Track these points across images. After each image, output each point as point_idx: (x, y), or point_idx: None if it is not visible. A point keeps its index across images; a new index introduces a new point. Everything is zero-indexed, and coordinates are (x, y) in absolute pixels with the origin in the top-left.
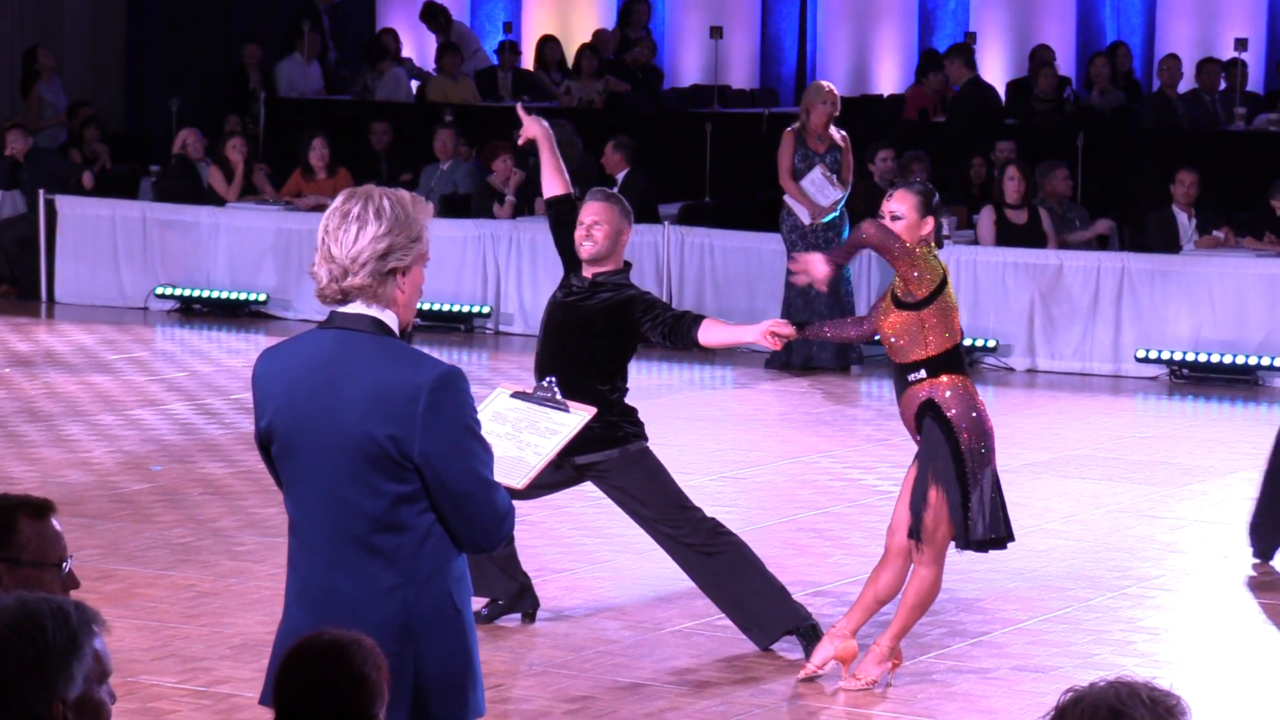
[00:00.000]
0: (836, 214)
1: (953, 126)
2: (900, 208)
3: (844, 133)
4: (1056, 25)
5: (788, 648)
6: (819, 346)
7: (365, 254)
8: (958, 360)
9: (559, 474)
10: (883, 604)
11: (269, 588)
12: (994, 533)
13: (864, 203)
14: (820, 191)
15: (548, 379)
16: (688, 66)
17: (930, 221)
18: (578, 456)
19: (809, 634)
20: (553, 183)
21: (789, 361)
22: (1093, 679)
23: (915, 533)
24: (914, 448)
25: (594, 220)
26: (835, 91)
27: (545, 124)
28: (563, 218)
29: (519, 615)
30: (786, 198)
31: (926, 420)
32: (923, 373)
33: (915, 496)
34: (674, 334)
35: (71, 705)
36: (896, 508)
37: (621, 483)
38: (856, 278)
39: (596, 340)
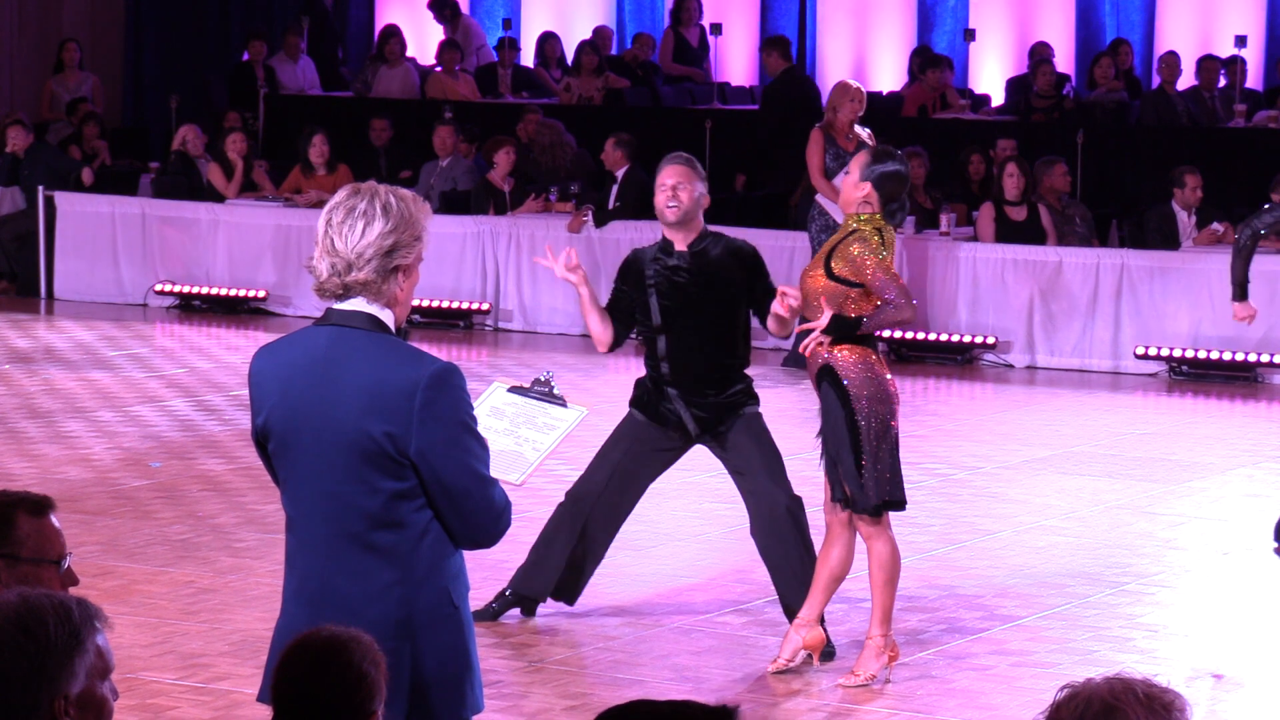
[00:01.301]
0: None
1: (767, 117)
2: (852, 166)
3: (869, 131)
4: (1056, 22)
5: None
6: None
7: (370, 250)
8: (869, 334)
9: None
10: (839, 581)
11: (268, 584)
12: (890, 496)
13: None
14: None
15: (545, 373)
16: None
17: (867, 187)
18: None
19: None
20: (602, 331)
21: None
22: (1091, 675)
23: (845, 501)
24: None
25: (677, 182)
26: (862, 90)
27: (581, 275)
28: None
29: (519, 611)
30: (819, 197)
31: (824, 386)
32: (826, 338)
33: (827, 464)
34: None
35: (74, 701)
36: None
37: (735, 443)
38: None
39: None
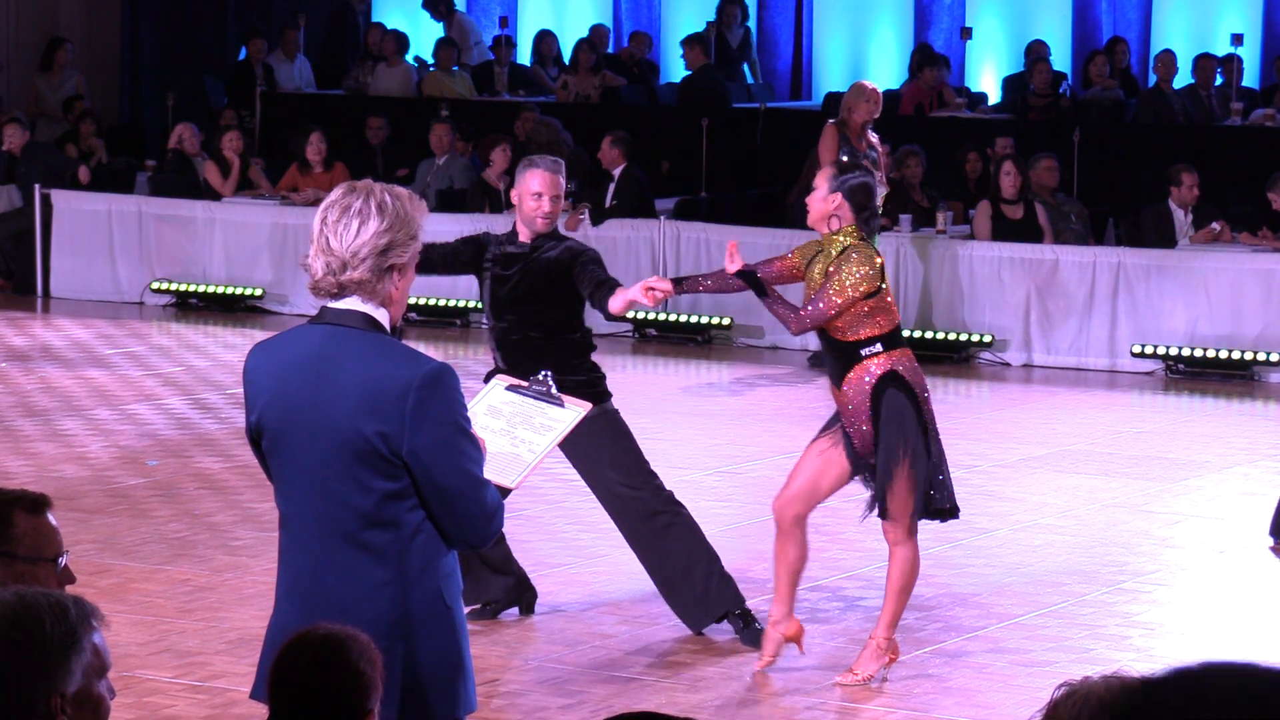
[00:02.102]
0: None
1: (683, 111)
2: (818, 182)
3: (879, 136)
4: (1053, 20)
5: (787, 652)
6: None
7: (366, 249)
8: (901, 338)
9: None
10: (799, 574)
11: (265, 582)
12: (948, 503)
13: (890, 203)
14: None
15: (544, 372)
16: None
17: (838, 198)
18: None
19: (745, 619)
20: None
21: None
22: (1088, 674)
23: (884, 512)
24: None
25: (554, 193)
26: (878, 91)
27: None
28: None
29: (516, 609)
30: None
31: (890, 391)
32: (878, 346)
33: (881, 473)
34: (594, 296)
35: (70, 699)
36: (792, 479)
37: (588, 439)
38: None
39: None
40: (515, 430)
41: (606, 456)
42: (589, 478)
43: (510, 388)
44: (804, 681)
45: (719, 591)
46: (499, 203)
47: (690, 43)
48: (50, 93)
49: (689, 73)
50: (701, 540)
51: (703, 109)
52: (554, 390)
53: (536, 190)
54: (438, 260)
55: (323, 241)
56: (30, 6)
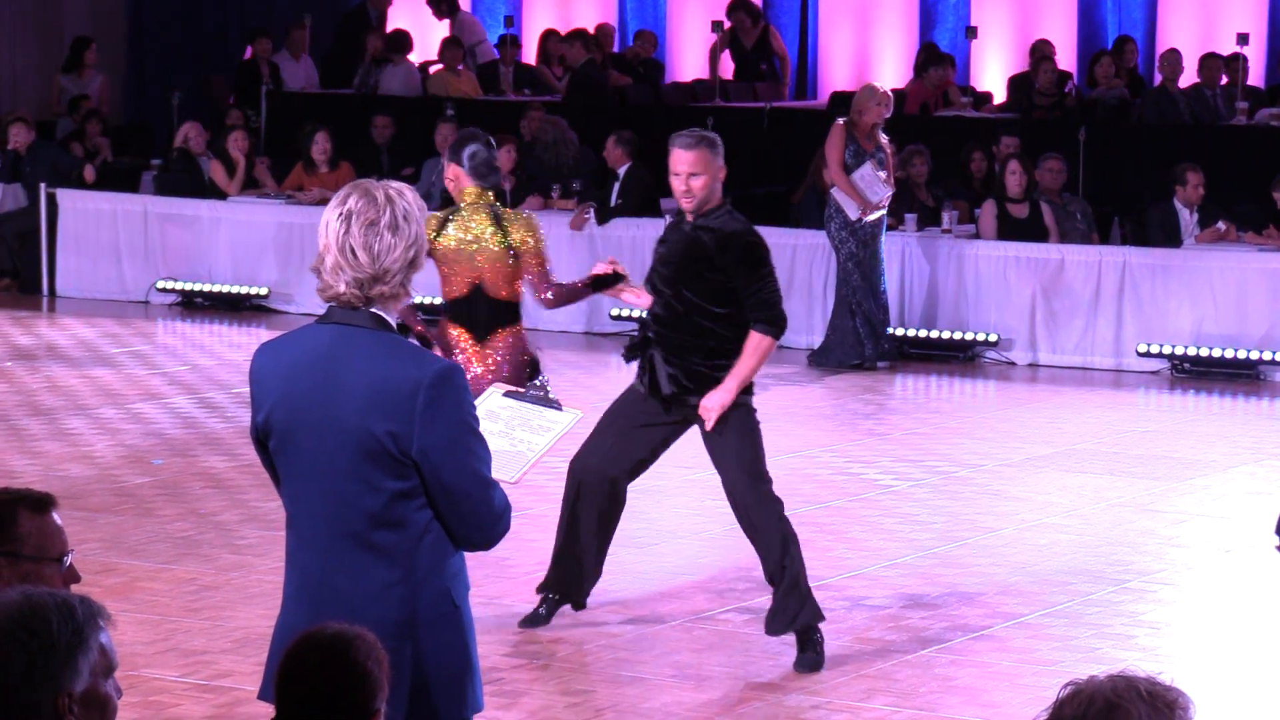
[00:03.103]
0: (884, 212)
1: (571, 105)
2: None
3: (888, 138)
4: (1058, 20)
5: (790, 645)
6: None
7: (398, 264)
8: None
9: (669, 417)
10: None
11: (270, 581)
12: None
13: (895, 202)
14: (870, 187)
15: (540, 378)
16: (689, 61)
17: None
18: (693, 396)
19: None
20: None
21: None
22: (1094, 673)
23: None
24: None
25: (689, 171)
26: (889, 95)
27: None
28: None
29: (523, 609)
30: (834, 193)
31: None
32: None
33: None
34: None
35: (78, 699)
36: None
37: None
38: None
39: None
40: (514, 432)
41: (734, 448)
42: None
43: (508, 394)
44: (810, 680)
45: (796, 603)
46: (504, 202)
47: (572, 39)
48: (76, 93)
49: (573, 70)
50: (794, 554)
51: (591, 105)
52: (551, 395)
53: (674, 170)
54: None
55: (347, 255)
56: (35, 5)
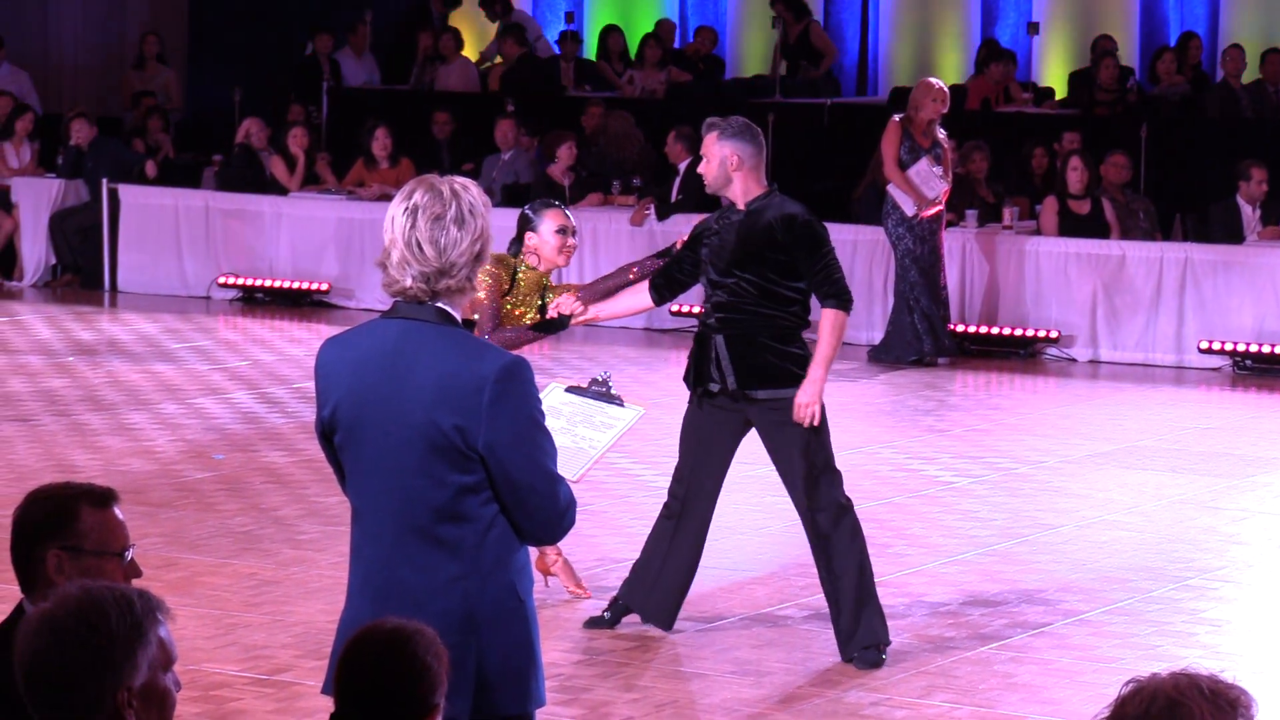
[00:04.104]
0: (941, 207)
1: (508, 95)
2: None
3: (946, 133)
4: (1120, 15)
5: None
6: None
7: (464, 258)
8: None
9: (732, 413)
10: None
11: (331, 576)
12: None
13: (956, 198)
14: (926, 183)
15: (603, 373)
16: (749, 56)
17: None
18: (756, 390)
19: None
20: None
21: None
22: (1155, 670)
23: None
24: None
25: (703, 157)
26: (945, 90)
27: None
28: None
29: (583, 604)
30: (891, 189)
31: None
32: None
33: None
34: None
35: (137, 693)
36: None
37: (780, 430)
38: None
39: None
40: (576, 429)
41: (799, 441)
42: (782, 478)
43: (570, 389)
44: (870, 677)
45: (866, 618)
46: (563, 198)
47: (504, 34)
48: (142, 88)
49: (506, 66)
50: (859, 560)
51: (531, 97)
52: (613, 390)
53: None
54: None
55: (413, 249)
56: (98, 4)
